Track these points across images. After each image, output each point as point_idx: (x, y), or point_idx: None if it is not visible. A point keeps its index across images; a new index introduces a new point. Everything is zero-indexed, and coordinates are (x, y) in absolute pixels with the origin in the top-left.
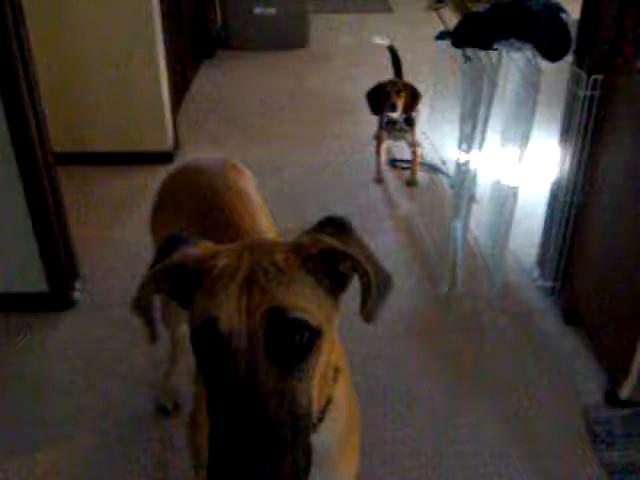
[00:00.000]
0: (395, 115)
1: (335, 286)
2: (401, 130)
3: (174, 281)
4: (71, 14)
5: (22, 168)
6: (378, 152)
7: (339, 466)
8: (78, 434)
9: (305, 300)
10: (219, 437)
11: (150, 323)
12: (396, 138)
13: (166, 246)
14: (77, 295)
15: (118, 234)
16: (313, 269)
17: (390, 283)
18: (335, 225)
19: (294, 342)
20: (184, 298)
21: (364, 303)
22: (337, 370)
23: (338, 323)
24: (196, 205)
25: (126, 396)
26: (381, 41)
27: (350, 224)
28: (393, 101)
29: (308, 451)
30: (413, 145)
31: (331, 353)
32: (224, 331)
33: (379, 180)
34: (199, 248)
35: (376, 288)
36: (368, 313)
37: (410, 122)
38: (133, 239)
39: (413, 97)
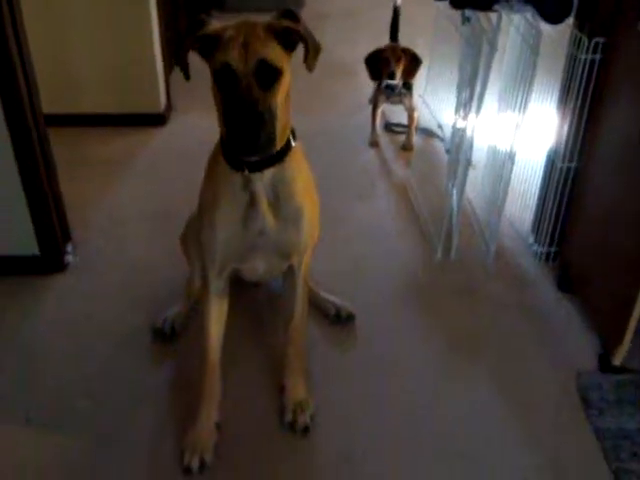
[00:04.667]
0: (394, 82)
1: (288, 48)
2: (399, 94)
3: (201, 43)
4: None
5: (12, 130)
6: (374, 116)
7: (304, 209)
8: (71, 400)
9: (274, 54)
10: (231, 123)
11: (186, 71)
12: (393, 102)
13: (194, 24)
14: (69, 258)
15: (110, 196)
16: (278, 37)
17: (319, 47)
18: (291, 15)
19: (269, 74)
20: (206, 54)
21: (306, 59)
22: (288, 128)
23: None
24: None
25: (120, 359)
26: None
27: (299, 15)
28: (392, 69)
29: (273, 133)
30: (410, 109)
31: (288, 91)
32: (235, 68)
33: (375, 144)
34: (215, 25)
35: (312, 50)
36: (309, 65)
37: (408, 86)
38: (125, 201)
39: (413, 63)
